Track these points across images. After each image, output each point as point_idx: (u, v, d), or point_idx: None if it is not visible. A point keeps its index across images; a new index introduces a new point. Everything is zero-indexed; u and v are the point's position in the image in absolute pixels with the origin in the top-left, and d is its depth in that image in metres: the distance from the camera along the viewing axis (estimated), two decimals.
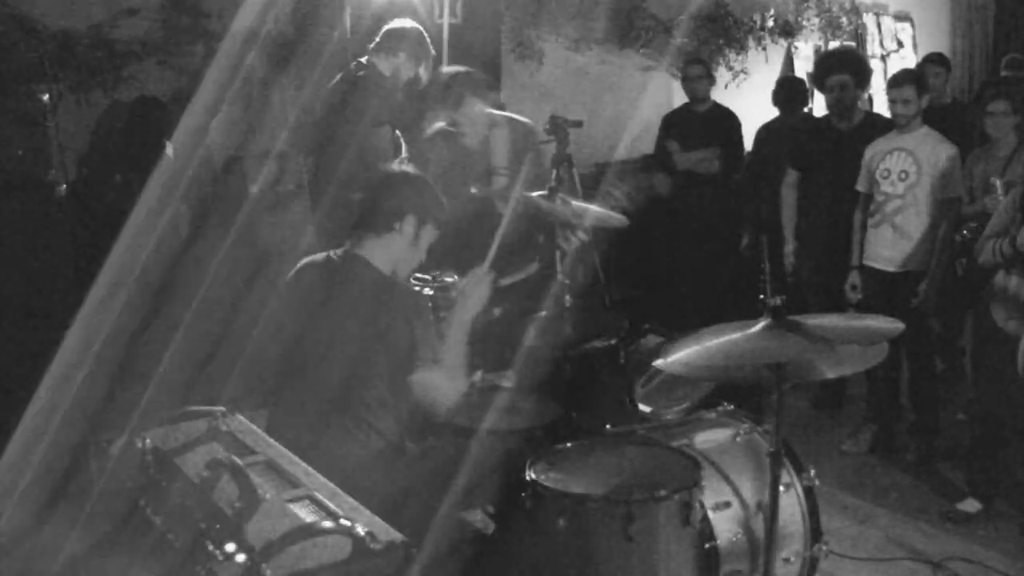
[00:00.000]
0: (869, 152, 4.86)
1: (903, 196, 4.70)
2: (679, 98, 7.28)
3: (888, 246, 4.77)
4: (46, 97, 4.90)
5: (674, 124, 6.37)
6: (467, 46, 6.01)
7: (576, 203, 4.12)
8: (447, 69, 4.72)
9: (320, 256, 3.21)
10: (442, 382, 3.03)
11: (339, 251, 3.18)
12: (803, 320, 2.69)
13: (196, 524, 2.03)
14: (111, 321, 4.45)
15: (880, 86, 8.04)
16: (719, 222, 6.30)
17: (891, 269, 4.78)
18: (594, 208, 4.17)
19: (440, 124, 4.80)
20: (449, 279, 3.51)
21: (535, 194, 3.98)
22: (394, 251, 3.13)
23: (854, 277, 4.92)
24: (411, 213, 3.12)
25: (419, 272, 3.45)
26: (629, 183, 3.98)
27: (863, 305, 4.86)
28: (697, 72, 6.28)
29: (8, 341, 4.48)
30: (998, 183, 4.49)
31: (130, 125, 5.22)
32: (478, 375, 3.40)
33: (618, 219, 4.11)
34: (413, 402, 3.04)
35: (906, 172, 4.69)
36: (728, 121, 6.30)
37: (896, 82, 4.80)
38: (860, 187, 4.89)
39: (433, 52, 5.00)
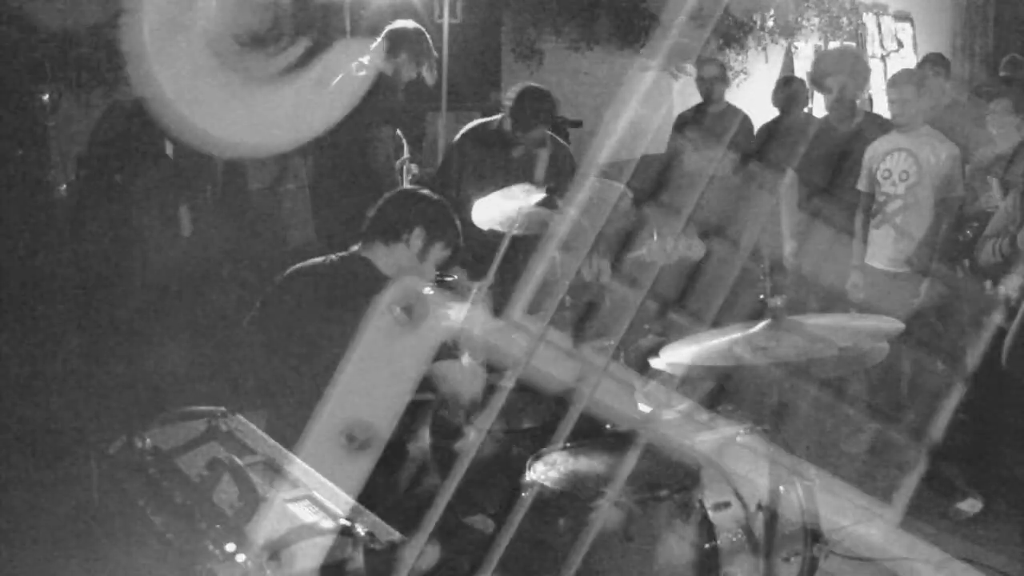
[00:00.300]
0: (869, 152, 4.86)
1: (904, 196, 4.71)
2: (679, 98, 7.27)
3: (890, 246, 4.78)
4: (46, 97, 4.90)
5: (687, 124, 6.33)
6: (467, 46, 6.02)
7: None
8: (526, 86, 4.69)
9: (320, 259, 3.21)
10: (462, 374, 3.03)
11: (343, 253, 3.18)
12: (803, 320, 2.69)
13: (196, 524, 2.03)
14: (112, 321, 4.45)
15: (880, 86, 8.04)
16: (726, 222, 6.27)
17: (893, 269, 4.78)
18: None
19: (477, 122, 4.78)
20: (449, 278, 3.51)
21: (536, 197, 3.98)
22: (400, 261, 3.13)
23: (856, 277, 4.92)
24: (421, 227, 3.13)
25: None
26: (666, 245, 4.04)
27: (865, 305, 4.86)
28: (713, 73, 6.23)
29: (8, 341, 4.48)
30: (995, 182, 4.50)
31: (130, 125, 5.22)
32: None
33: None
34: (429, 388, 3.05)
35: (907, 172, 4.69)
36: (741, 122, 6.27)
37: (895, 82, 4.81)
38: (861, 187, 4.89)
39: (435, 53, 5.00)
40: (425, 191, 3.36)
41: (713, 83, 6.21)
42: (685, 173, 6.23)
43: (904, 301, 4.64)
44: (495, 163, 4.59)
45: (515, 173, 4.56)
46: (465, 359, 3.10)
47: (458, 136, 4.83)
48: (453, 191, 4.57)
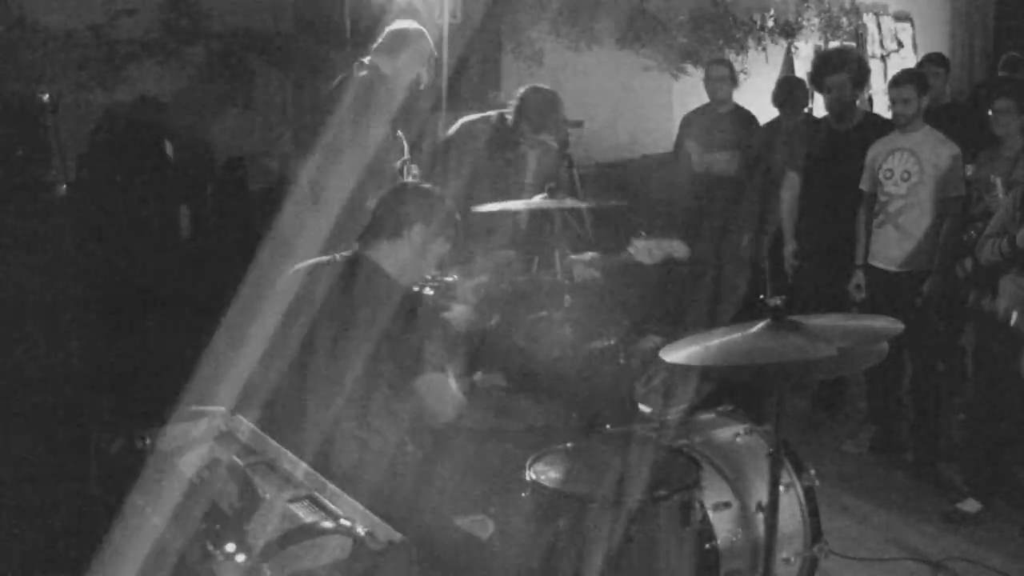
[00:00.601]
0: (872, 152, 4.86)
1: (906, 196, 4.71)
2: (679, 98, 7.26)
3: (892, 246, 4.78)
4: (46, 97, 4.90)
5: (694, 124, 6.30)
6: (467, 46, 6.01)
7: (575, 202, 4.12)
8: (536, 87, 4.70)
9: (325, 258, 3.20)
10: (448, 388, 3.03)
11: (346, 253, 3.18)
12: (803, 320, 2.69)
13: (196, 524, 2.03)
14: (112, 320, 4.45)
15: (880, 86, 8.04)
16: (731, 223, 6.26)
17: (895, 269, 4.78)
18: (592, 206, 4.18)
19: (474, 116, 4.77)
20: (449, 279, 3.51)
21: (538, 197, 3.98)
22: (402, 258, 3.13)
23: (858, 276, 4.92)
24: (420, 222, 3.12)
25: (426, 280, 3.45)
26: (651, 245, 4.09)
27: (867, 304, 4.87)
28: (721, 73, 6.17)
29: (8, 341, 4.49)
30: (998, 181, 4.50)
31: (130, 125, 5.23)
32: (478, 375, 3.40)
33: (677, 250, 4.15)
34: (416, 404, 3.04)
35: (908, 172, 4.70)
36: (749, 123, 6.24)
37: (896, 82, 4.81)
38: (863, 187, 4.90)
39: (435, 53, 5.00)
40: (423, 185, 3.35)
41: (721, 83, 6.15)
42: (692, 174, 6.23)
43: (906, 301, 4.64)
44: (488, 160, 4.58)
45: (505, 172, 4.55)
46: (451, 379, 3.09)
47: (455, 129, 4.80)
48: (451, 181, 4.56)
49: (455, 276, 3.52)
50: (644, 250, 4.07)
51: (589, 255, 3.97)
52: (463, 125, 4.77)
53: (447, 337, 3.16)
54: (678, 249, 4.15)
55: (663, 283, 4.89)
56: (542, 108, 4.52)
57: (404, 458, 3.11)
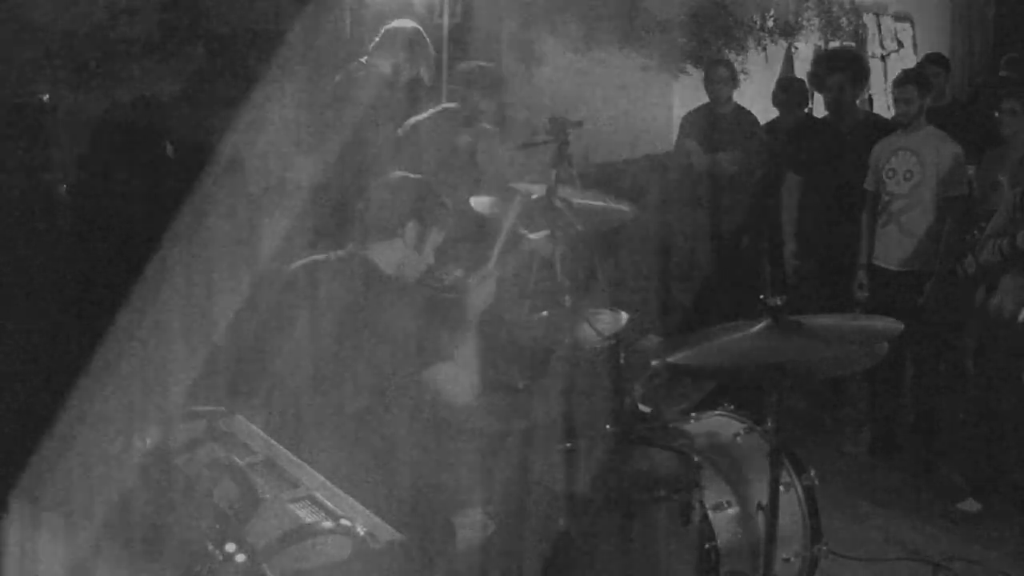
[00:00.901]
0: (875, 152, 4.87)
1: (908, 195, 4.71)
2: (679, 98, 7.26)
3: (894, 245, 4.79)
4: (46, 97, 4.90)
5: (694, 124, 6.29)
6: (467, 46, 6.02)
7: (577, 201, 4.11)
8: (481, 63, 4.73)
9: (322, 256, 3.20)
10: (458, 376, 3.03)
11: (343, 252, 3.18)
12: (803, 320, 2.69)
13: (196, 524, 2.03)
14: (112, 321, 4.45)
15: (880, 86, 8.03)
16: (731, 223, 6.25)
17: (897, 268, 4.78)
18: (596, 204, 4.17)
19: (426, 114, 4.77)
20: (448, 278, 3.51)
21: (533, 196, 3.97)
22: (398, 255, 3.14)
23: (861, 276, 4.92)
24: (413, 219, 3.13)
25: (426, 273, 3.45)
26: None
27: (869, 304, 4.87)
28: (722, 75, 6.15)
29: (8, 341, 4.49)
30: (1005, 181, 4.50)
31: (130, 125, 5.22)
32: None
33: (619, 213, 4.11)
34: (420, 399, 3.04)
35: (911, 172, 4.70)
36: (749, 123, 6.23)
37: (898, 82, 4.84)
38: (867, 186, 4.90)
39: (434, 52, 4.99)
40: (412, 177, 3.35)
41: (723, 85, 6.13)
42: (692, 174, 6.22)
43: (908, 301, 4.64)
44: (438, 153, 4.57)
45: (455, 163, 4.54)
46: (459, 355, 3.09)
47: (404, 130, 4.80)
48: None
49: (456, 275, 3.52)
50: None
51: (543, 232, 3.95)
52: (411, 125, 4.77)
53: (452, 325, 3.16)
54: (624, 210, 4.15)
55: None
56: (491, 77, 4.55)
57: (403, 456, 3.11)
